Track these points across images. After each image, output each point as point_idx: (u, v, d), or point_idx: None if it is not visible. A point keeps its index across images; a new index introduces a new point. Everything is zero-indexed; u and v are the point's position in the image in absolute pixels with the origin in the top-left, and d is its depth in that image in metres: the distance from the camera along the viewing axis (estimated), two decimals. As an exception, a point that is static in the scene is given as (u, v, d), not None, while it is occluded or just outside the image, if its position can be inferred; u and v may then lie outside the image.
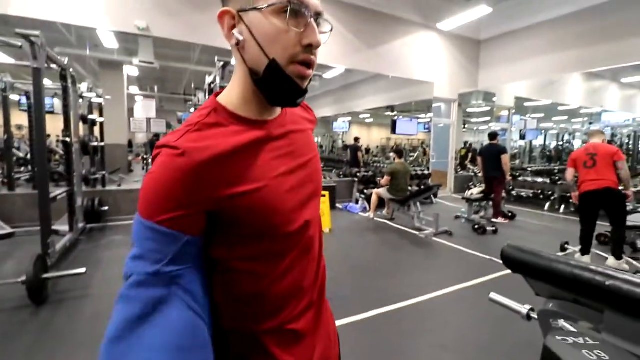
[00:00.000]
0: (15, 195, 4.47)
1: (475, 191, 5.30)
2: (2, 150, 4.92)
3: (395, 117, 8.33)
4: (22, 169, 6.10)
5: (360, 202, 6.10)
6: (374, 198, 5.38)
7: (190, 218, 0.47)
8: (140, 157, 10.96)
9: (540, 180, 6.91)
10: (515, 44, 7.65)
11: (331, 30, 0.53)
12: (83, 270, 2.72)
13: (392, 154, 7.12)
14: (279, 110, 0.59)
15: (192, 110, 7.17)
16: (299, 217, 0.56)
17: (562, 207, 6.15)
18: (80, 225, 4.11)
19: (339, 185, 6.37)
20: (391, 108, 10.61)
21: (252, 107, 0.54)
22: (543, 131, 10.11)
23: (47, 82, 4.31)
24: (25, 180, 5.58)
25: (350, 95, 10.89)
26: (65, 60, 3.63)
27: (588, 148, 3.34)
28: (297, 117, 0.63)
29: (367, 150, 12.21)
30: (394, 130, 7.53)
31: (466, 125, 11.25)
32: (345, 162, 9.31)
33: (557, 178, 6.49)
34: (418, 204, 4.77)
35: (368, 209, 5.90)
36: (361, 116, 13.19)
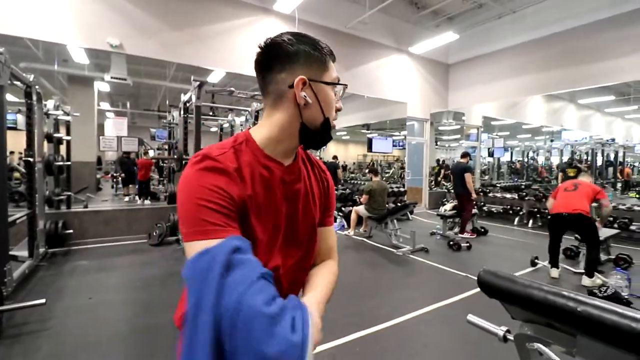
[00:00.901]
0: (-33, 219, 4.11)
1: (448, 207, 5.48)
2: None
3: (372, 136, 8.55)
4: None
5: (338, 220, 6.12)
6: (353, 216, 5.41)
7: None
8: (109, 175, 10.47)
9: (509, 195, 7.24)
10: (482, 68, 8.16)
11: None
12: (42, 301, 2.52)
13: (368, 172, 7.25)
14: (291, 160, 0.72)
15: (167, 125, 7.02)
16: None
17: (530, 221, 6.46)
18: (42, 250, 3.83)
19: (317, 202, 6.37)
20: (367, 126, 10.89)
21: (276, 150, 0.68)
22: (509, 148, 10.71)
23: (10, 97, 4.08)
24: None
25: (327, 113, 11.06)
26: (31, 77, 3.46)
27: (574, 182, 3.58)
28: (304, 174, 0.75)
29: (344, 167, 12.37)
30: (370, 148, 7.72)
31: (438, 143, 11.73)
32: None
33: (524, 194, 6.83)
34: (395, 221, 4.85)
35: (346, 226, 5.93)
36: (338, 134, 13.42)
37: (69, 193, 5.02)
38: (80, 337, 2.31)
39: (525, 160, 10.37)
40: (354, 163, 13.50)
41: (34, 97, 3.60)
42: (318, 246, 0.78)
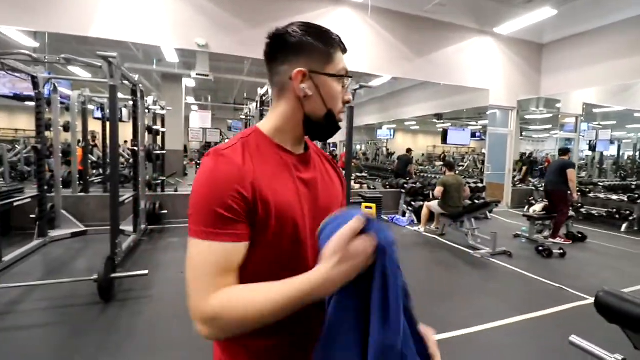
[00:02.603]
0: (89, 197, 4.96)
1: (537, 208, 4.85)
2: (82, 155, 5.49)
3: (446, 126, 7.98)
4: (94, 172, 6.77)
5: (407, 215, 5.89)
6: (424, 211, 5.15)
7: None
8: (193, 162, 11.68)
9: (615, 197, 6.15)
10: (584, 47, 6.96)
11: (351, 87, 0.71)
12: (146, 272, 2.91)
13: (442, 166, 6.78)
14: (302, 150, 0.71)
15: (242, 117, 7.49)
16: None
17: (643, 228, 5.42)
18: (143, 226, 4.43)
19: (385, 196, 6.21)
20: (439, 116, 10.20)
21: (285, 139, 0.67)
22: (616, 141, 9.05)
23: (121, 95, 4.76)
24: (98, 183, 6.18)
25: (396, 102, 10.66)
26: (136, 77, 3.96)
27: None
28: (318, 162, 0.74)
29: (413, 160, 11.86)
30: (445, 140, 7.20)
31: (524, 134, 10.45)
32: (390, 170, 9.09)
33: (636, 195, 5.73)
34: (472, 219, 4.48)
35: (416, 222, 5.68)
36: (407, 123, 12.86)
37: (163, 178, 5.70)
38: (173, 306, 2.61)
39: (638, 155, 8.66)
40: (422, 154, 12.84)
41: (139, 95, 4.13)
42: None
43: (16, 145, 7.32)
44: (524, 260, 3.97)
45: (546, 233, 4.89)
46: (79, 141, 5.46)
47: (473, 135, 7.90)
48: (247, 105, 7.26)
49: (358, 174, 7.40)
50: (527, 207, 7.24)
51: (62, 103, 4.57)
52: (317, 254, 0.55)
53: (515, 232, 5.09)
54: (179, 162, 7.70)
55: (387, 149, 12.70)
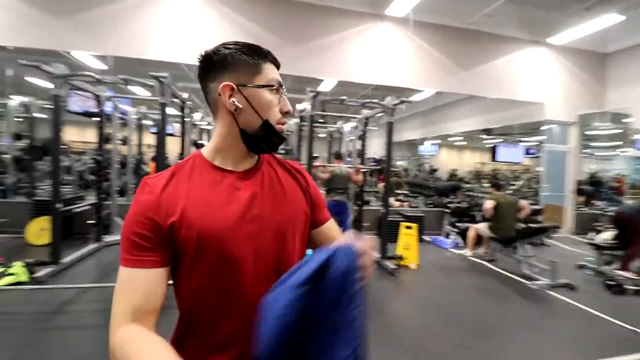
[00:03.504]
0: (140, 206, 5.31)
1: (607, 236, 4.27)
2: (134, 166, 5.94)
3: (496, 142, 7.49)
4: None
5: (452, 237, 5.52)
6: (471, 234, 4.78)
7: None
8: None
9: None
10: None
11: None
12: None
13: (489, 187, 6.30)
14: (248, 165, 0.70)
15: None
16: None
17: None
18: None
19: (427, 215, 5.91)
20: (487, 131, 9.63)
21: (225, 157, 0.68)
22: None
23: (171, 111, 5.12)
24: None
25: (440, 117, 10.28)
26: (185, 95, 4.23)
27: None
28: (269, 176, 0.72)
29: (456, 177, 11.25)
30: (494, 157, 6.74)
31: (586, 151, 9.48)
32: (432, 188, 8.69)
33: None
34: (527, 246, 4.05)
35: (461, 244, 5.30)
36: (451, 139, 12.32)
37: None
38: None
39: None
40: (469, 172, 12.16)
41: (186, 111, 4.39)
42: (323, 244, 0.75)
43: (83, 157, 8.16)
44: (589, 295, 3.48)
45: (616, 265, 4.27)
46: (153, 157, 5.92)
47: (527, 152, 7.30)
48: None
49: (398, 192, 7.14)
50: (592, 233, 6.46)
51: (121, 119, 5.00)
52: (258, 275, 0.63)
53: (578, 262, 4.52)
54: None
55: (431, 166, 12.22)
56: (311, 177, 0.80)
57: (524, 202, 4.50)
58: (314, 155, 4.61)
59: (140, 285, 0.57)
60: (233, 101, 0.64)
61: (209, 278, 0.62)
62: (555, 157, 7.16)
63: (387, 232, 4.19)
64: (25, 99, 4.89)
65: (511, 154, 6.90)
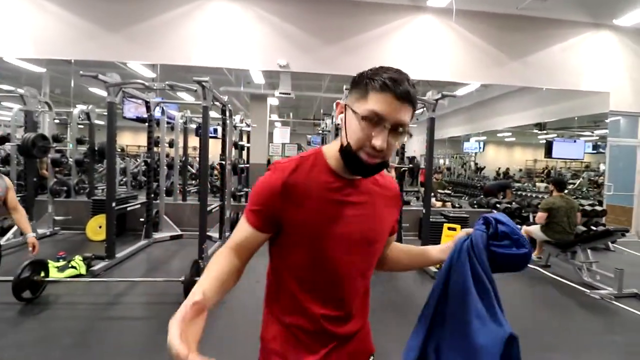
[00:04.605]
0: (185, 205, 5.60)
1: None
2: (180, 167, 6.29)
3: (551, 137, 6.86)
4: (193, 182, 7.69)
5: (500, 239, 5.13)
6: (521, 236, 4.42)
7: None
8: (275, 175, 12.36)
9: None
10: None
11: (410, 136, 0.72)
12: (224, 278, 3.08)
13: (548, 185, 5.77)
14: (357, 177, 0.76)
15: (320, 132, 7.68)
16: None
17: None
18: (227, 234, 4.80)
19: (471, 216, 5.56)
20: (540, 125, 8.86)
21: (338, 162, 0.74)
22: None
23: (214, 115, 5.35)
24: (194, 192, 6.98)
25: (485, 112, 9.65)
26: (225, 98, 4.37)
27: None
28: (374, 192, 0.80)
29: (507, 174, 10.50)
30: (549, 153, 6.16)
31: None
32: (479, 187, 8.18)
33: None
34: (588, 251, 3.64)
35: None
36: (499, 135, 11.52)
37: (247, 189, 6.14)
38: (248, 315, 2.69)
39: None
40: (520, 170, 11.29)
41: (227, 114, 4.54)
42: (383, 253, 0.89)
43: (137, 159, 8.82)
44: (666, 309, 3.04)
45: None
46: (220, 163, 6.22)
47: (593, 147, 6.59)
48: (323, 120, 7.42)
49: (440, 191, 6.81)
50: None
51: (168, 123, 5.32)
52: (354, 267, 0.77)
53: (651, 270, 3.98)
54: (262, 174, 8.24)
55: (476, 164, 11.54)
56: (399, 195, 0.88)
57: (578, 213, 4.08)
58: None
59: (245, 234, 0.76)
60: (340, 117, 0.73)
61: (306, 262, 0.75)
62: (621, 153, 6.39)
63: (427, 233, 4.01)
64: (85, 107, 5.38)
65: (569, 150, 6.25)
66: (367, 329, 0.86)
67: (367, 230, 0.77)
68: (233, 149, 5.39)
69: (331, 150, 0.75)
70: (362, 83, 0.68)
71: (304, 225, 0.72)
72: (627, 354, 2.37)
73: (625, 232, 3.94)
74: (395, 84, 0.65)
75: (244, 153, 6.48)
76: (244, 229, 0.76)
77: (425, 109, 4.17)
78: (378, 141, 0.66)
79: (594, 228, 4.49)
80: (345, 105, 0.71)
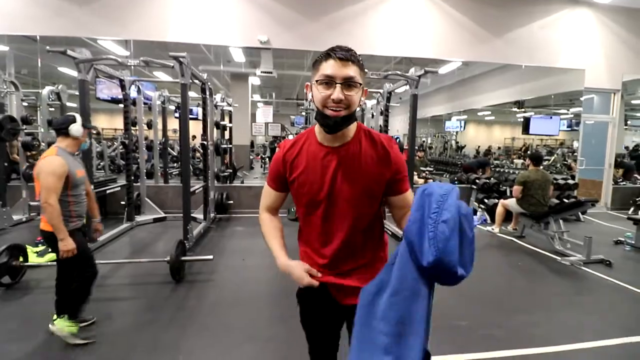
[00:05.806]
0: (168, 187, 5.51)
1: (649, 210, 3.98)
2: (161, 150, 6.13)
3: (528, 115, 7.05)
4: (175, 165, 7.53)
5: (479, 213, 5.35)
6: (499, 210, 4.61)
7: None
8: (259, 157, 12.26)
9: None
10: None
11: (361, 87, 0.91)
12: (210, 257, 3.10)
13: (525, 161, 5.99)
14: (338, 143, 0.96)
15: (303, 114, 7.60)
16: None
17: None
18: (212, 215, 4.77)
19: (452, 191, 5.72)
20: (519, 103, 9.06)
21: (323, 135, 0.96)
22: None
23: (193, 95, 5.19)
24: (176, 174, 6.86)
25: (466, 91, 9.76)
26: (205, 76, 4.23)
27: None
28: (359, 156, 0.96)
29: (488, 152, 10.78)
30: (526, 130, 6.35)
31: (629, 122, 8.72)
32: (459, 165, 8.39)
33: None
34: (560, 221, 3.85)
35: (489, 221, 5.13)
36: (480, 114, 11.72)
37: (231, 170, 6.07)
38: (236, 291, 2.74)
39: None
40: (499, 147, 11.60)
41: (207, 92, 4.41)
42: (395, 214, 1.02)
43: (114, 142, 8.51)
44: (628, 272, 3.29)
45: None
46: (202, 143, 6.05)
47: (567, 124, 6.82)
48: (306, 100, 7.33)
49: (422, 169, 6.95)
50: (632, 209, 6.05)
51: (145, 103, 5.12)
52: (331, 211, 0.98)
53: (616, 238, 4.26)
54: (245, 156, 8.15)
55: (457, 142, 11.76)
56: (397, 150, 0.97)
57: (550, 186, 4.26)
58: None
59: (270, 195, 1.08)
60: (310, 95, 0.92)
61: (305, 206, 1.00)
62: (594, 130, 6.67)
63: (410, 209, 4.11)
64: (55, 88, 5.09)
65: (546, 127, 6.46)
66: (370, 265, 1.01)
67: (347, 187, 0.95)
68: (215, 129, 5.28)
69: (319, 127, 0.95)
70: (316, 62, 0.89)
71: (299, 182, 0.97)
72: (596, 312, 2.57)
73: (595, 202, 4.18)
74: (334, 51, 0.86)
75: (227, 133, 6.36)
76: (268, 193, 1.08)
77: (408, 86, 4.19)
78: (335, 94, 0.85)
79: (566, 200, 4.73)
80: (311, 83, 0.91)
